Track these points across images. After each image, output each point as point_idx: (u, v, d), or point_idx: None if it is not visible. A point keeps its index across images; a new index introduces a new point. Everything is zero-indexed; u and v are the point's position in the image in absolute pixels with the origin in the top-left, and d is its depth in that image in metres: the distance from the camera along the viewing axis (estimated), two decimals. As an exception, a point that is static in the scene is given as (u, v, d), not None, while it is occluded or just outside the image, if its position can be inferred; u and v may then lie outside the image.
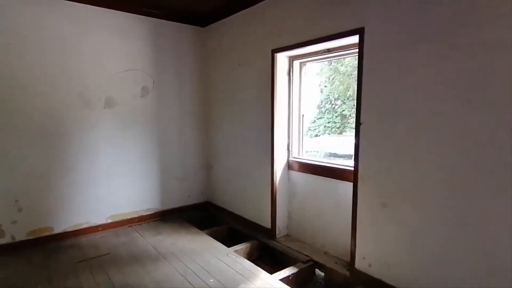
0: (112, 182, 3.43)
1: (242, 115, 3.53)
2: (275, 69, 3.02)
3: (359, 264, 2.42)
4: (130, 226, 3.53)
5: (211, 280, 2.42)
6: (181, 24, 3.79)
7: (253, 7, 3.20)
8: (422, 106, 1.97)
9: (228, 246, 3.05)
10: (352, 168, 2.44)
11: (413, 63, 1.99)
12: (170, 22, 3.70)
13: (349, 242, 2.48)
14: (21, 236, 2.96)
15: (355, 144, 2.38)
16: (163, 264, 2.68)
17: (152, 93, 3.65)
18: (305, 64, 3.15)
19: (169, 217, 3.81)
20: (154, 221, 3.71)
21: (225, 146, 3.87)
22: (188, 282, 2.40)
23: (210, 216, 4.08)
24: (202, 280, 2.43)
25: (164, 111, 3.77)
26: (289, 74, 3.13)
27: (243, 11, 3.34)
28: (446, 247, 1.92)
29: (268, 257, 3.13)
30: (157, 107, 3.70)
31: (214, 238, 3.24)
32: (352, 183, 2.44)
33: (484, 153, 1.73)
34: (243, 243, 3.15)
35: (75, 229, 3.24)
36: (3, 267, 2.61)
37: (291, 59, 3.10)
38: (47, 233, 3.09)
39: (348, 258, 2.54)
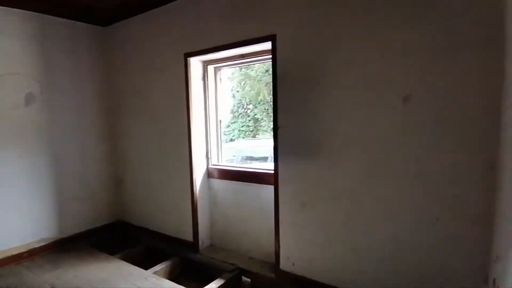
0: (-12, 212, 2.75)
1: (156, 123, 3.26)
2: (189, 74, 2.88)
3: (283, 265, 2.47)
4: (19, 264, 2.88)
5: (129, 311, 2.14)
6: (76, 22, 3.31)
7: (163, 7, 2.99)
8: (332, 106, 2.12)
9: (147, 268, 2.76)
10: (272, 172, 2.48)
11: (324, 69, 2.14)
12: (62, 19, 3.19)
13: (273, 244, 2.52)
14: None
15: (274, 147, 2.42)
16: (66, 303, 2.26)
17: (40, 101, 3.07)
18: (219, 70, 3.10)
19: (71, 245, 3.25)
20: (51, 253, 3.11)
21: (138, 157, 3.53)
22: (101, 319, 2.07)
23: (123, 237, 3.65)
24: (117, 313, 2.13)
25: (59, 121, 3.22)
26: (204, 79, 3.03)
27: (151, 10, 3.10)
28: (360, 239, 2.10)
29: (192, 273, 2.95)
30: (48, 116, 3.13)
31: (130, 261, 2.90)
32: (273, 186, 2.48)
33: (386, 151, 1.95)
34: (163, 263, 2.89)
35: None
36: None
37: (205, 63, 3.01)
38: None
39: (273, 260, 2.57)
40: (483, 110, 1.63)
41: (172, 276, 2.81)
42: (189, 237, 3.10)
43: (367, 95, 1.98)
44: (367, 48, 1.96)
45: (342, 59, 2.05)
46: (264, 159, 5.58)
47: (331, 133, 2.15)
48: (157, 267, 2.80)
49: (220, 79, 3.13)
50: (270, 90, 2.38)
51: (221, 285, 2.49)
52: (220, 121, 3.16)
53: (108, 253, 3.08)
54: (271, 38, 2.32)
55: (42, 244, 3.10)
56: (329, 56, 2.11)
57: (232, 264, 2.77)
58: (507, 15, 1.48)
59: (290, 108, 2.31)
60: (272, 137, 2.43)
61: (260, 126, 10.41)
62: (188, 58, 2.86)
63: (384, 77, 1.91)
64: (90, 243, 3.32)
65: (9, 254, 2.87)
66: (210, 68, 3.05)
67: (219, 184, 3.08)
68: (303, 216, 2.33)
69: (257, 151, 6.16)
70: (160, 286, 2.46)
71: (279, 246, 2.48)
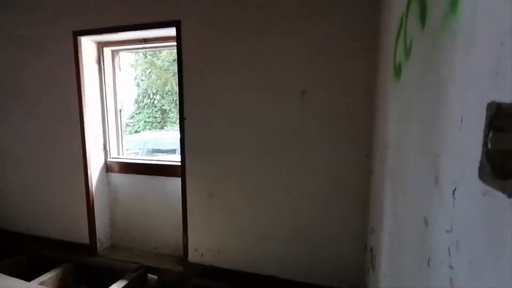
0: None
1: (37, 111, 2.77)
2: (80, 56, 2.53)
3: (192, 257, 2.44)
4: None
5: (5, 334, 1.80)
6: None
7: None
8: (238, 98, 2.17)
9: (31, 279, 2.36)
10: (179, 163, 2.41)
11: (228, 60, 2.15)
12: None
13: (181, 237, 2.46)
14: None
15: (180, 139, 2.35)
16: None
17: None
18: (118, 53, 2.82)
19: None
20: None
21: (12, 151, 2.94)
22: None
23: (-4, 248, 3.03)
24: (-12, 339, 1.76)
25: None
26: (99, 63, 2.71)
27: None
28: (264, 226, 2.22)
29: (90, 279, 2.65)
30: None
31: (8, 274, 2.42)
32: (180, 178, 2.41)
33: (287, 140, 2.09)
34: (51, 271, 2.52)
35: None
36: None
37: (100, 45, 2.69)
38: None
39: (181, 254, 2.52)
40: (363, 107, 1.90)
41: (64, 285, 2.48)
42: (84, 239, 2.77)
43: (270, 88, 2.09)
44: (266, 45, 2.05)
45: (245, 52, 2.11)
46: (173, 151, 5.38)
47: (236, 124, 2.19)
48: (44, 277, 2.42)
49: (119, 64, 2.85)
50: (177, 79, 2.29)
51: (123, 286, 2.31)
52: (120, 110, 2.89)
53: (-26, 269, 2.51)
54: (176, 24, 2.22)
55: None
56: (232, 48, 2.13)
57: (136, 263, 2.60)
58: (381, 27, 1.75)
59: (196, 98, 2.27)
60: (179, 128, 2.35)
61: (168, 117, 9.98)
62: (78, 37, 2.51)
63: (284, 73, 2.04)
64: None
65: None
66: (107, 51, 2.74)
67: (120, 179, 2.83)
68: (211, 207, 2.34)
69: (165, 143, 5.90)
70: (47, 299, 2.14)
71: (187, 239, 2.44)
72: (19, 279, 2.35)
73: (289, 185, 2.13)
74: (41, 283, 2.34)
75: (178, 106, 2.35)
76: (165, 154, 5.46)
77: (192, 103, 2.28)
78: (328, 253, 2.09)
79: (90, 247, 2.76)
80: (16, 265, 2.71)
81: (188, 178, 2.37)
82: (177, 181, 2.47)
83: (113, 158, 2.86)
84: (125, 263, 2.62)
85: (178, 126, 2.37)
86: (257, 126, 2.15)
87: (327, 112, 1.98)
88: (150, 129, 9.19)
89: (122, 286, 2.32)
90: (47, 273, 2.48)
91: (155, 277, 2.61)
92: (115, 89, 2.85)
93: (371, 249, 1.65)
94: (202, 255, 2.41)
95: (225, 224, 2.33)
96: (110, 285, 2.32)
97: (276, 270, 2.23)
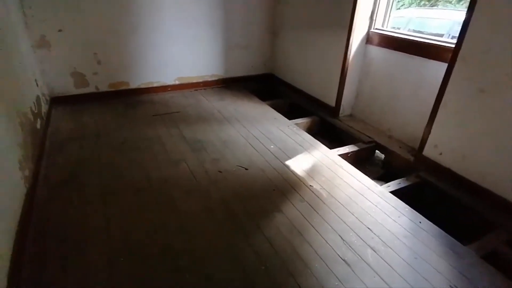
0: (176, 45, 3.40)
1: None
2: None
3: (428, 151, 2.27)
4: (196, 90, 3.67)
5: (272, 147, 2.52)
6: None
7: None
8: None
9: (289, 119, 3.06)
10: (452, 45, 2.00)
11: None
12: None
13: (420, 128, 2.28)
14: (103, 87, 3.25)
15: (466, 14, 1.86)
16: (227, 126, 2.83)
17: None
18: None
19: (231, 85, 3.84)
20: (218, 87, 3.79)
21: (294, 11, 3.42)
22: (250, 145, 2.54)
23: (271, 89, 4.02)
24: (263, 145, 2.54)
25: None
26: None
27: None
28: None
29: (328, 134, 3.11)
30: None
31: (275, 110, 3.25)
32: (445, 63, 2.05)
33: None
34: (304, 118, 3.13)
35: (148, 87, 3.46)
36: (91, 113, 2.98)
37: None
38: (124, 87, 3.35)
39: (414, 144, 2.40)
40: None
41: (310, 132, 3.03)
42: (331, 102, 3.14)
43: None
44: None
45: None
46: (438, 36, 4.53)
47: None
48: (298, 120, 3.06)
49: None
50: None
51: (353, 151, 2.57)
52: (399, -28, 2.54)
53: (259, 99, 3.51)
54: None
55: (213, 79, 3.78)
56: None
57: (368, 136, 2.75)
58: None
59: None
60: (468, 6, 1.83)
61: (444, -6, 8.09)
62: None
63: None
64: (245, 87, 3.82)
65: (190, 81, 3.65)
66: None
67: (377, 53, 2.77)
68: (477, 104, 1.91)
69: (431, 25, 5.01)
70: (299, 135, 2.73)
71: (429, 132, 2.23)
72: (282, 116, 3.09)
73: None
74: (296, 124, 2.98)
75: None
76: (427, 39, 4.70)
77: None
78: None
79: (334, 110, 3.12)
80: (281, 106, 3.54)
81: (457, 64, 1.97)
82: (439, 66, 2.13)
83: (376, 29, 2.75)
84: (359, 133, 2.82)
85: (454, 6, 1.84)
86: None
87: None
88: (416, 6, 7.97)
89: (352, 150, 2.57)
90: (300, 118, 3.10)
91: (382, 155, 2.70)
92: None
93: None
94: (440, 154, 2.19)
95: (487, 129, 1.89)
96: (342, 146, 2.63)
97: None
